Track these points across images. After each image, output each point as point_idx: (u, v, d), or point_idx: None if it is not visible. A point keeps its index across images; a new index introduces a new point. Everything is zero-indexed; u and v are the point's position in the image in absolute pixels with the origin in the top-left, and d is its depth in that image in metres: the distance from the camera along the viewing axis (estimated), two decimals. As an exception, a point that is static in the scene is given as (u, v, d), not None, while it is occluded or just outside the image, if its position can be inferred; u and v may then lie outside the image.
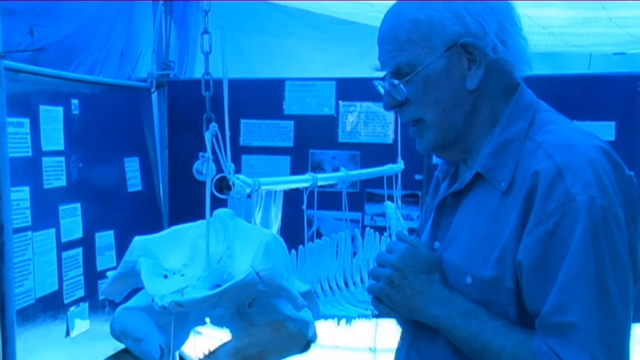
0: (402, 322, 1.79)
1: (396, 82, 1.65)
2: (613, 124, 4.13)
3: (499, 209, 1.60)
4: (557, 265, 1.51)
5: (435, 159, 4.27)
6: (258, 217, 2.50)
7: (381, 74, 1.72)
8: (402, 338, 1.80)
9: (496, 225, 1.60)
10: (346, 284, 3.16)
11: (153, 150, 4.65)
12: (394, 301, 1.67)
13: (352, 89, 4.57)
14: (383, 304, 1.70)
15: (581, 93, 4.17)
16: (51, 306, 3.48)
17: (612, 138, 4.12)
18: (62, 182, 3.60)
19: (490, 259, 1.59)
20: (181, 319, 1.81)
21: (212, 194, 1.86)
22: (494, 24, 1.62)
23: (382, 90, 1.73)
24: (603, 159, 1.56)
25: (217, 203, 1.90)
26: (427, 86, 1.64)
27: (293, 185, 2.89)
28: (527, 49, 1.68)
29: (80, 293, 3.73)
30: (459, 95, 1.65)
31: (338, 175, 3.26)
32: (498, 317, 1.59)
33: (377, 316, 3.12)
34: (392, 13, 1.69)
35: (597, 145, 1.59)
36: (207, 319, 1.87)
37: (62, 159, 3.61)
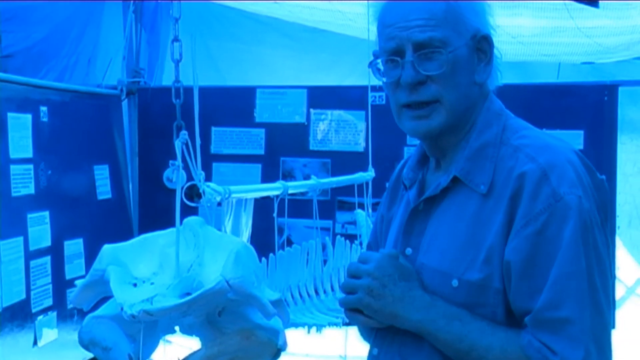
0: (378, 330, 1.78)
1: (445, 50, 1.65)
2: (582, 132, 4.17)
3: (480, 212, 1.63)
4: (547, 263, 1.54)
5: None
6: (228, 225, 2.50)
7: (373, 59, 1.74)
8: (375, 345, 1.79)
9: (479, 227, 1.62)
10: (317, 292, 3.15)
11: (123, 157, 4.62)
12: (374, 310, 1.67)
13: (323, 97, 4.57)
14: (359, 315, 1.70)
15: (550, 102, 4.21)
16: (18, 315, 3.44)
17: (581, 146, 4.15)
18: (31, 190, 3.57)
19: (477, 261, 1.61)
20: (150, 327, 1.80)
21: (182, 202, 1.86)
22: (493, 28, 1.71)
23: (380, 69, 1.72)
24: (579, 162, 1.62)
25: (188, 211, 1.89)
26: (455, 68, 1.66)
27: (264, 193, 2.88)
28: (500, 62, 1.75)
29: (49, 302, 3.70)
30: (470, 86, 1.69)
31: (309, 183, 3.27)
32: (481, 318, 1.61)
33: (347, 324, 3.12)
34: None
35: (571, 149, 1.65)
36: (177, 328, 1.86)
37: (31, 166, 3.58)
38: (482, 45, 1.69)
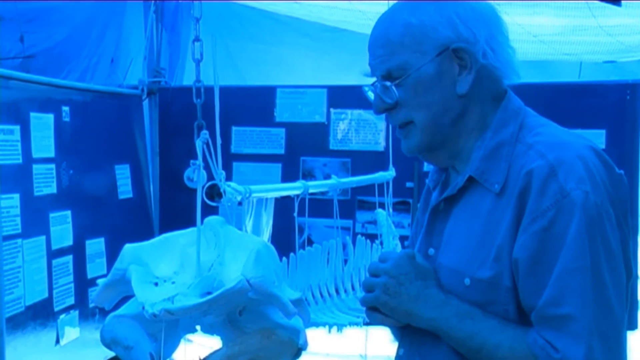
0: (400, 330, 1.79)
1: (388, 83, 1.67)
2: (603, 132, 4.14)
3: (493, 211, 1.62)
4: (552, 259, 1.53)
5: (426, 167, 4.27)
6: (249, 224, 2.50)
7: (371, 80, 1.74)
8: (401, 346, 1.81)
9: (491, 226, 1.62)
10: (337, 292, 3.15)
11: (144, 157, 4.64)
12: (390, 308, 1.68)
13: (343, 97, 4.57)
14: (378, 314, 1.71)
15: (572, 101, 4.18)
16: (41, 314, 3.46)
17: (603, 146, 4.12)
18: (53, 189, 3.59)
19: (488, 259, 1.61)
20: (171, 326, 1.81)
21: (203, 202, 1.86)
22: (484, 30, 1.65)
23: (371, 96, 1.75)
24: (594, 157, 1.60)
25: (208, 210, 1.90)
26: (418, 90, 1.66)
27: (284, 193, 2.89)
28: (514, 58, 1.71)
29: (71, 301, 3.72)
30: (449, 100, 1.67)
31: (329, 182, 3.27)
32: (493, 316, 1.61)
33: (368, 324, 3.12)
34: (385, 17, 1.71)
35: (587, 145, 1.62)
36: (198, 327, 1.87)
37: (53, 166, 3.60)
38: (461, 55, 1.65)
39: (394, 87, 1.67)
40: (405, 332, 1.77)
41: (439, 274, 1.69)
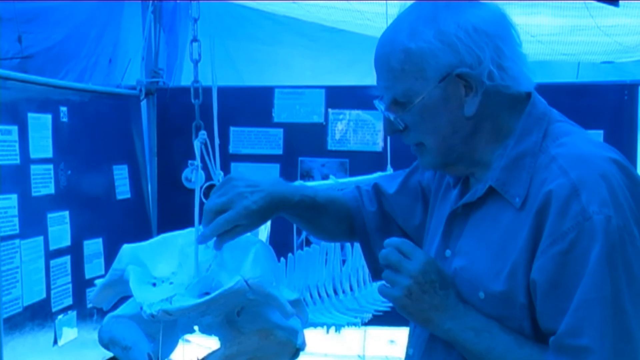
0: (414, 331, 1.78)
1: (392, 116, 1.66)
2: (601, 132, 4.14)
3: (512, 225, 1.59)
4: (572, 285, 1.50)
5: (424, 167, 4.26)
6: (247, 225, 2.49)
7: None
8: (411, 346, 1.80)
9: (509, 241, 1.58)
10: (335, 292, 3.15)
11: (142, 157, 4.64)
12: (409, 312, 1.65)
13: (341, 97, 4.57)
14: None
15: (569, 101, 4.16)
16: (39, 314, 3.46)
17: (601, 146, 4.12)
18: (51, 189, 3.59)
19: (502, 273, 1.58)
20: (170, 327, 1.81)
21: (201, 202, 1.86)
22: (489, 50, 1.60)
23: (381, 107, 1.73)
24: (617, 173, 1.55)
25: (206, 211, 1.90)
26: (424, 115, 1.63)
27: (282, 193, 2.88)
28: (526, 65, 1.67)
29: (69, 301, 3.72)
30: (457, 122, 1.63)
31: (327, 183, 3.26)
32: (510, 332, 1.58)
33: (366, 324, 3.12)
34: (386, 39, 1.67)
35: (612, 158, 1.57)
36: (196, 327, 1.87)
37: (51, 166, 3.60)
38: (466, 78, 1.60)
39: (399, 119, 1.65)
40: (415, 334, 1.77)
41: (455, 280, 1.66)
